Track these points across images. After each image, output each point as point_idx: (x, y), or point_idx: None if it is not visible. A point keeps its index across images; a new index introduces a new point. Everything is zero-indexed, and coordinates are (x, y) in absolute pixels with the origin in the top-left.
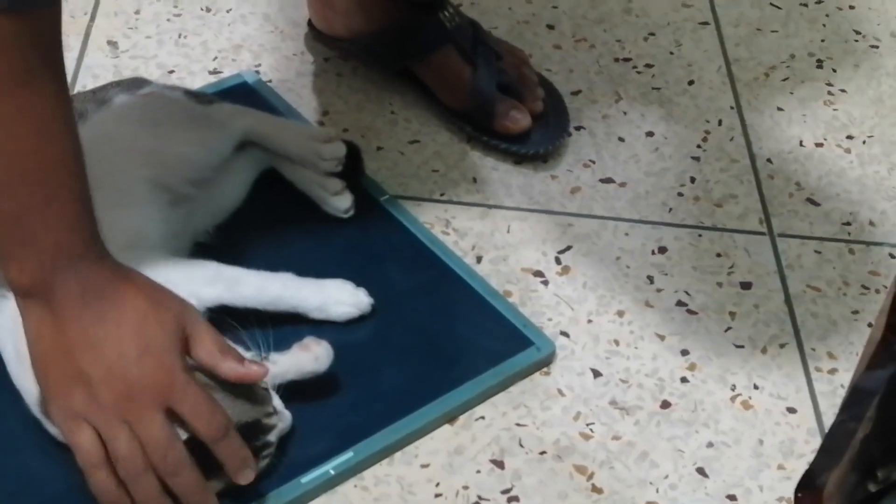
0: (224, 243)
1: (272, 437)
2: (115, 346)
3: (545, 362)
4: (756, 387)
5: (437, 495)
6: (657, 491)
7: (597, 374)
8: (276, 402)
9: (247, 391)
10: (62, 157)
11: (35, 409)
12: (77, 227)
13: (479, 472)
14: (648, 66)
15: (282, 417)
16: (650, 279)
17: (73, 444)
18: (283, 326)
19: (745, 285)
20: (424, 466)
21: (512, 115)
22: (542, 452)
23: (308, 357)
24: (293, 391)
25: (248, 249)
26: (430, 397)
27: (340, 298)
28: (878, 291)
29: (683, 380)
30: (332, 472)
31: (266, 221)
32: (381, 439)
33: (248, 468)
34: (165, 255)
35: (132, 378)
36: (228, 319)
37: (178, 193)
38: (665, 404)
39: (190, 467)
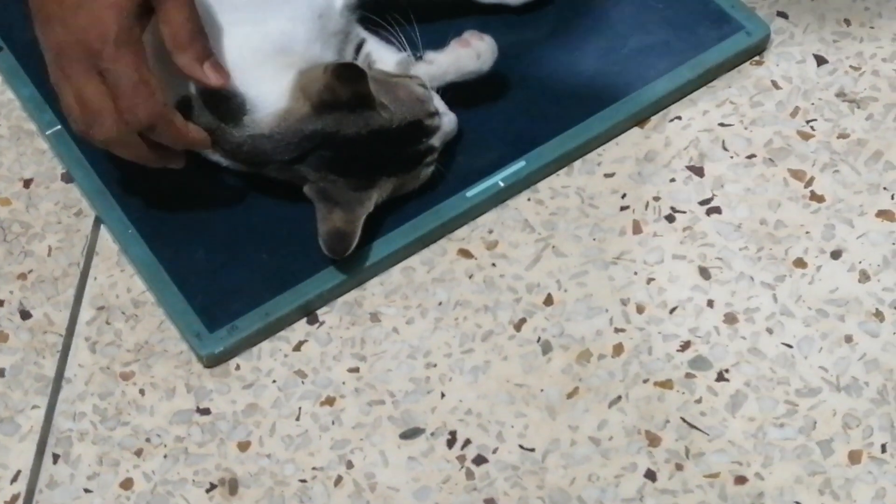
0: None
1: (435, 140)
2: None
3: (757, 49)
4: None
5: (623, 208)
6: (892, 197)
7: (821, 60)
8: (438, 102)
9: (404, 89)
10: None
11: None
12: None
13: (673, 180)
14: None
15: (445, 120)
16: None
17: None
18: (441, 22)
19: None
20: (609, 176)
21: None
22: (751, 156)
23: (468, 54)
24: (456, 96)
25: None
26: (615, 96)
27: None
28: None
29: None
30: (502, 183)
31: None
32: (557, 146)
33: (174, 158)
34: None
35: (67, 27)
36: (375, 17)
37: None
38: None
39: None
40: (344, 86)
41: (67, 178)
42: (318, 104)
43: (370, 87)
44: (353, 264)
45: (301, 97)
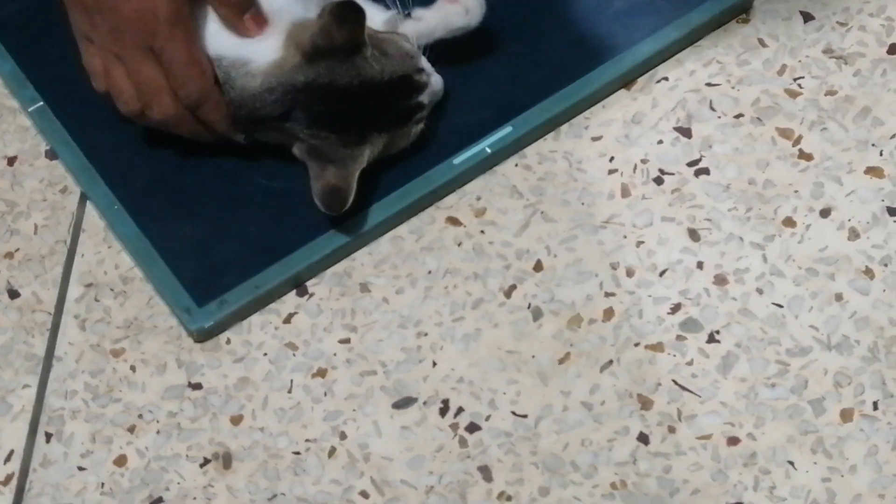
0: None
1: (424, 97)
2: None
3: (743, 7)
4: None
5: (612, 171)
6: (881, 154)
7: (808, 17)
8: (425, 62)
9: (392, 44)
10: None
11: None
12: None
13: (660, 142)
14: None
15: (432, 79)
16: None
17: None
18: None
19: None
20: (596, 139)
21: None
22: (738, 116)
23: (456, 10)
24: (441, 60)
25: None
26: (601, 58)
27: None
28: None
29: None
30: (489, 150)
31: None
32: (544, 110)
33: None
34: None
35: (119, 12)
36: None
37: None
38: (894, 49)
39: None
40: (341, 28)
41: (51, 154)
42: (310, 51)
43: (364, 32)
44: (342, 234)
45: (292, 48)
